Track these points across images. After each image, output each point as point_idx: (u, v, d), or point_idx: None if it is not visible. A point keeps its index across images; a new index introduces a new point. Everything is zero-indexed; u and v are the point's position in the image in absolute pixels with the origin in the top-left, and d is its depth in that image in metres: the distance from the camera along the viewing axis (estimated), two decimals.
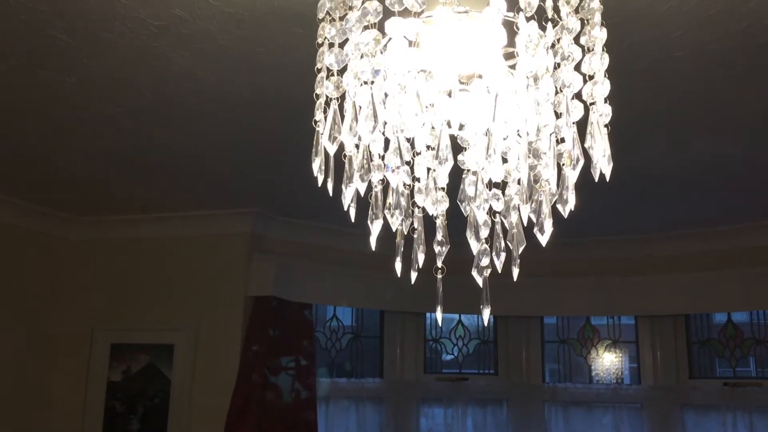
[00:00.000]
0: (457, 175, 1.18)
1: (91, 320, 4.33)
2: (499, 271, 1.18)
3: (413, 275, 1.21)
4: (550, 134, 1.15)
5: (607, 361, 4.98)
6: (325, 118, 1.16)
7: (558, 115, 1.15)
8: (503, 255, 1.19)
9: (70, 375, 4.29)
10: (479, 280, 1.15)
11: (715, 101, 2.56)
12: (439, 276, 1.16)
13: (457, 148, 1.19)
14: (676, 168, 3.32)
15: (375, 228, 1.18)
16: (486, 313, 1.18)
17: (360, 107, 1.10)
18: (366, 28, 1.10)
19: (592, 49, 1.13)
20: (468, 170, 1.21)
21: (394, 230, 1.20)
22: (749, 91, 2.46)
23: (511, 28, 1.12)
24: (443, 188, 1.21)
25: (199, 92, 2.54)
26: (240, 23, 2.03)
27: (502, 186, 1.21)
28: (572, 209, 1.18)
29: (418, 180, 1.20)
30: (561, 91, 1.13)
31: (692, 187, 3.63)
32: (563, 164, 1.15)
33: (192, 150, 3.20)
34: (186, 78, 2.42)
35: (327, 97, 1.18)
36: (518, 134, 1.17)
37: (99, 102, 2.67)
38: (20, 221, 4.16)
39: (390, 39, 1.10)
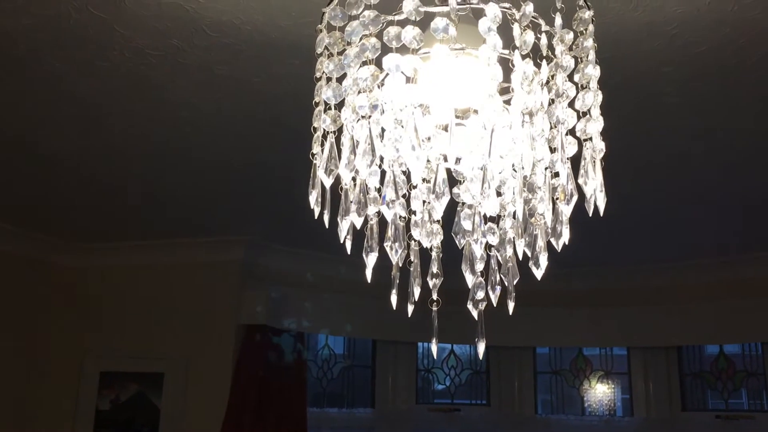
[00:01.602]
0: (451, 205, 1.19)
1: (81, 348, 4.29)
2: (495, 305, 1.18)
3: (410, 308, 1.21)
4: (545, 169, 1.16)
5: (600, 393, 4.96)
6: (322, 151, 1.17)
7: (552, 150, 1.17)
8: (498, 288, 1.19)
9: (59, 402, 4.24)
10: (474, 314, 1.15)
11: (706, 135, 2.59)
12: (434, 309, 1.17)
13: (452, 180, 1.20)
14: (669, 199, 3.35)
15: (370, 261, 1.19)
16: (481, 348, 1.18)
17: (357, 141, 1.11)
18: (364, 63, 1.11)
19: (586, 86, 1.15)
20: (463, 203, 1.22)
21: (393, 263, 1.20)
22: (740, 124, 2.49)
23: (506, 64, 1.14)
24: (438, 221, 1.22)
25: (195, 120, 2.56)
26: (237, 54, 2.05)
27: (497, 219, 1.22)
28: (566, 243, 1.19)
29: (414, 213, 1.21)
30: (555, 126, 1.15)
31: (684, 219, 3.66)
32: (557, 199, 1.16)
33: (186, 177, 3.21)
34: (182, 107, 2.44)
35: (324, 130, 1.19)
36: (513, 168, 1.19)
37: (93, 130, 2.67)
38: (10, 247, 4.14)
39: (387, 74, 1.11)
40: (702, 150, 2.74)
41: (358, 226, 1.17)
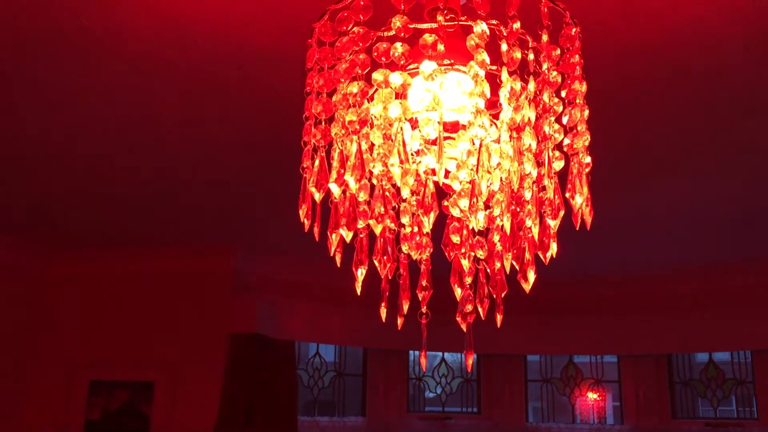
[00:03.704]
0: (442, 216, 1.20)
1: (70, 356, 4.27)
2: (483, 318, 1.19)
3: (399, 321, 1.22)
4: (533, 183, 1.17)
5: (591, 400, 4.97)
6: (313, 165, 1.18)
7: (540, 164, 1.18)
8: (487, 301, 1.20)
9: (48, 412, 4.21)
10: (463, 327, 1.16)
11: (696, 147, 2.62)
12: (423, 322, 1.17)
13: (441, 192, 1.21)
14: (660, 209, 3.37)
15: (359, 274, 1.19)
16: (470, 360, 1.19)
17: (347, 156, 1.12)
18: (353, 79, 1.12)
19: (573, 102, 1.17)
20: (452, 216, 1.23)
21: (382, 276, 1.21)
22: (729, 137, 2.52)
23: (494, 79, 1.16)
24: (427, 233, 1.23)
25: (187, 130, 2.56)
26: (229, 65, 2.06)
27: (485, 232, 1.22)
28: (553, 256, 1.20)
29: (404, 226, 1.21)
30: (542, 142, 1.16)
31: (674, 228, 3.68)
32: (545, 212, 1.17)
33: (177, 186, 3.21)
34: (174, 117, 2.44)
35: (314, 144, 1.20)
36: (501, 182, 1.20)
37: (85, 140, 2.67)
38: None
39: (377, 89, 1.12)
40: (692, 162, 2.77)
41: (348, 240, 1.18)
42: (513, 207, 1.18)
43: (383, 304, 1.22)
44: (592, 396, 4.98)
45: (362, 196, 1.15)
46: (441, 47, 1.08)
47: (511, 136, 1.13)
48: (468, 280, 1.15)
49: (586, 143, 1.17)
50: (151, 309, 4.27)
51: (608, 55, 1.94)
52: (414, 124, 1.16)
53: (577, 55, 1.17)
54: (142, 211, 3.60)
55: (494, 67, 1.13)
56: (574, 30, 1.17)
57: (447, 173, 1.21)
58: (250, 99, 2.29)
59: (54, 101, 2.34)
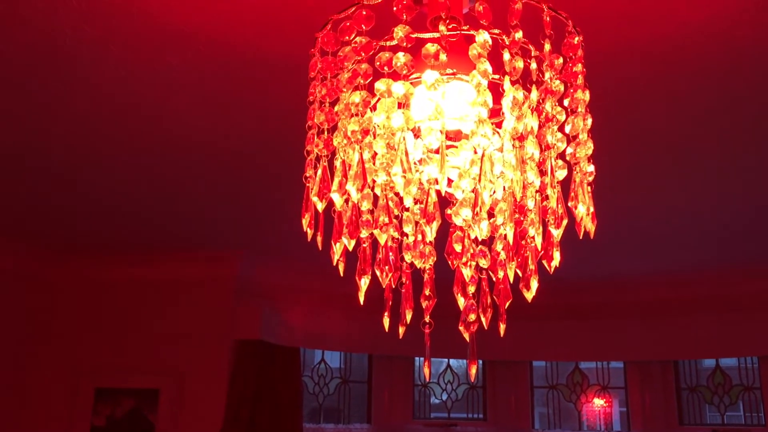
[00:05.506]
0: (445, 223, 1.19)
1: (75, 364, 4.27)
2: (486, 328, 1.19)
3: (401, 330, 1.22)
4: (535, 192, 1.17)
5: (597, 407, 4.95)
6: (315, 174, 1.18)
7: (543, 173, 1.18)
8: (490, 311, 1.20)
9: (53, 419, 4.22)
10: (466, 336, 1.15)
11: (701, 153, 2.61)
12: (427, 331, 1.17)
13: (444, 201, 1.21)
14: (666, 214, 3.36)
15: (363, 284, 1.19)
16: (473, 370, 1.19)
17: (349, 165, 1.12)
18: (356, 88, 1.12)
19: (576, 111, 1.17)
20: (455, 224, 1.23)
21: (383, 286, 1.21)
22: (734, 143, 2.51)
23: (497, 88, 1.16)
24: (431, 242, 1.23)
25: (189, 136, 2.57)
26: (231, 71, 2.07)
27: (489, 242, 1.22)
28: (557, 266, 1.20)
29: (407, 235, 1.21)
30: (545, 151, 1.16)
31: (681, 234, 3.67)
32: (548, 222, 1.17)
33: (182, 193, 3.22)
34: (177, 123, 2.45)
35: (317, 153, 1.20)
36: (504, 191, 1.20)
37: (88, 145, 2.68)
38: (4, 262, 4.12)
39: (379, 99, 1.12)
40: (699, 167, 2.76)
41: (351, 249, 1.18)
42: (516, 216, 1.18)
43: (386, 314, 1.22)
44: (598, 402, 4.96)
45: (365, 206, 1.15)
46: (443, 57, 1.08)
47: (513, 145, 1.13)
48: (471, 289, 1.15)
49: (589, 152, 1.17)
50: (155, 316, 4.28)
51: (611, 61, 1.94)
52: (417, 133, 1.16)
53: (579, 64, 1.17)
54: (146, 217, 3.61)
55: (497, 76, 1.14)
56: (576, 39, 1.17)
57: (450, 182, 1.21)
58: (253, 106, 2.29)
59: (57, 107, 2.35)
